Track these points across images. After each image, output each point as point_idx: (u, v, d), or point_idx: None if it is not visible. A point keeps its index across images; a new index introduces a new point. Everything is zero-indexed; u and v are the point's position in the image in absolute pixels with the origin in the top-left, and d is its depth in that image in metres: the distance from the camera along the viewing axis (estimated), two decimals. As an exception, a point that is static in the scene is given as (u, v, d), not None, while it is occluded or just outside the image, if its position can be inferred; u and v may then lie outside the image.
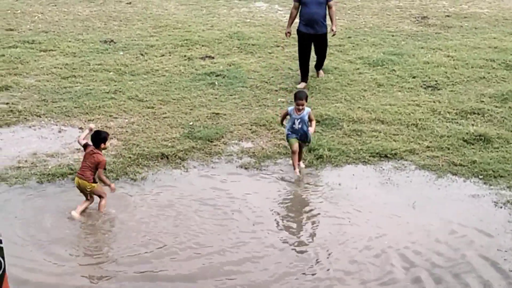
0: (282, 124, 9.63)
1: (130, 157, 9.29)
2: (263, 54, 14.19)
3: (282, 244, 7.46)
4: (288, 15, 12.67)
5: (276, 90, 12.00)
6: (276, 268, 6.99)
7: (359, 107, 11.14)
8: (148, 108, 11.11)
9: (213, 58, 13.88)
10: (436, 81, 12.51)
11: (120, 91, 11.82)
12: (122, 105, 11.20)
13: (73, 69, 13.03)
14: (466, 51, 14.34)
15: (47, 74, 12.71)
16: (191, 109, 11.06)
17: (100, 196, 8.03)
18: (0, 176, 8.76)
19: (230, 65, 13.29)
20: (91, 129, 8.21)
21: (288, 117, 9.11)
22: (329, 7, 11.98)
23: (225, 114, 10.83)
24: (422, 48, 14.63)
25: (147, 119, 10.66)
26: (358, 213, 8.07)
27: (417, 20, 17.26)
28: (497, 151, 9.57)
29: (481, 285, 6.71)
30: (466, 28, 16.58)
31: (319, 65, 12.55)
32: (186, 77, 12.67)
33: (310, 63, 12.36)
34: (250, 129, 10.31)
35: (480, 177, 8.90)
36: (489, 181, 8.79)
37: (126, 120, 10.61)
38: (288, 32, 12.22)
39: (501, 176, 8.88)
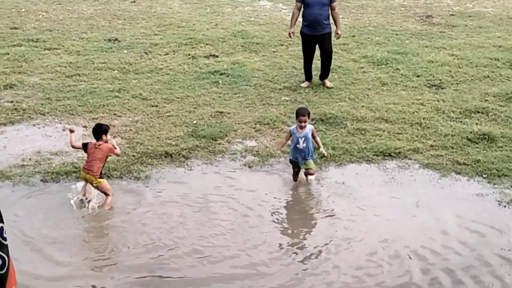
0: (280, 149, 9.05)
1: (134, 156, 9.30)
2: (267, 52, 14.19)
3: (286, 243, 7.47)
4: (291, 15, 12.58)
5: (280, 89, 12.00)
6: (281, 267, 7.00)
7: (363, 106, 11.13)
8: (152, 106, 11.12)
9: (217, 56, 13.89)
10: (440, 80, 12.50)
11: (124, 90, 11.84)
12: (126, 103, 11.22)
13: (77, 67, 13.05)
14: (470, 50, 14.31)
15: (51, 73, 12.74)
16: (195, 108, 11.06)
17: (106, 194, 8.06)
18: (4, 174, 8.78)
19: (234, 64, 13.30)
20: (72, 130, 8.36)
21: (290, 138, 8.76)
22: (332, 9, 11.72)
23: (229, 113, 10.83)
24: (426, 47, 14.60)
25: (151, 117, 10.68)
26: (362, 212, 8.07)
27: (422, 19, 17.23)
28: (501, 150, 9.55)
29: (475, 283, 6.71)
30: (470, 27, 16.55)
31: (324, 75, 12.13)
32: (190, 75, 12.68)
33: (315, 71, 12.24)
34: (254, 128, 10.31)
35: (484, 176, 8.89)
36: (493, 180, 8.78)
37: (130, 119, 10.62)
38: (292, 33, 12.10)
39: (505, 175, 8.87)
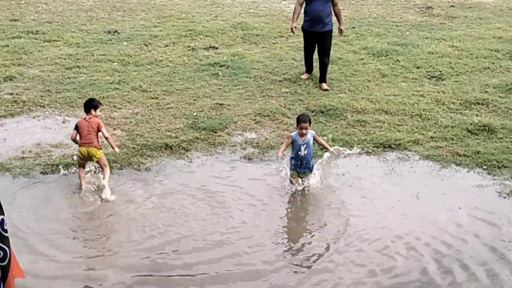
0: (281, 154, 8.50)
1: (134, 148, 9.31)
2: (267, 44, 14.17)
3: (287, 235, 7.48)
4: (293, 8, 12.33)
5: (280, 81, 11.99)
6: (280, 259, 7.01)
7: (363, 98, 11.12)
8: (152, 98, 11.11)
9: (217, 48, 13.87)
10: (440, 71, 12.48)
11: (124, 82, 11.82)
12: (126, 95, 11.21)
13: (77, 59, 13.03)
14: (470, 41, 14.29)
15: (51, 65, 12.72)
16: (195, 100, 11.06)
17: (105, 165, 8.26)
18: (5, 166, 8.78)
19: (234, 56, 13.28)
20: None
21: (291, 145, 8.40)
22: (334, 5, 11.59)
23: (228, 105, 10.83)
24: (426, 38, 14.58)
25: (151, 109, 10.67)
26: (362, 204, 8.08)
27: (422, 10, 17.20)
28: (501, 142, 9.56)
29: (486, 275, 6.73)
30: (470, 18, 16.52)
31: (322, 78, 11.83)
32: (190, 67, 12.66)
33: (316, 62, 12.20)
34: (254, 120, 10.31)
35: (484, 167, 8.90)
36: (493, 171, 8.79)
37: (130, 111, 10.61)
38: (294, 27, 11.93)
39: (505, 167, 8.88)
